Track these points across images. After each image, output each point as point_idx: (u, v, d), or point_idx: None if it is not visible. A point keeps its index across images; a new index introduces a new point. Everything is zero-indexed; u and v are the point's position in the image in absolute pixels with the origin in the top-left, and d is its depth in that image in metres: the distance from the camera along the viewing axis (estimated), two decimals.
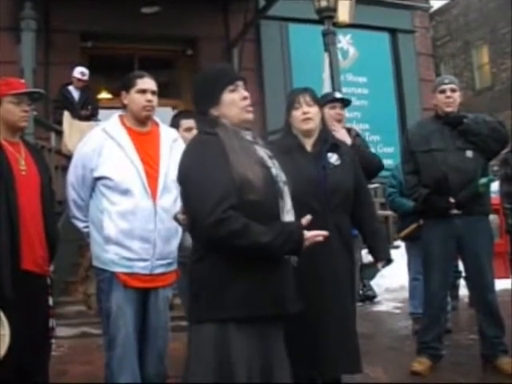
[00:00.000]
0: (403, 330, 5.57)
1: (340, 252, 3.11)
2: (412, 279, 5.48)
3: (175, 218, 2.61)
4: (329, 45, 7.87)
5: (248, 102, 2.42)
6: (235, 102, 2.39)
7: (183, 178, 2.34)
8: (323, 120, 3.34)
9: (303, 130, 3.23)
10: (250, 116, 2.43)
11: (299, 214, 2.93)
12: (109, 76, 10.55)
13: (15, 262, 2.92)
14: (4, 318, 2.81)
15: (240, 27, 10.41)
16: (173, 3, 9.79)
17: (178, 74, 11.37)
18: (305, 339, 2.97)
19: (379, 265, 3.35)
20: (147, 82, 3.29)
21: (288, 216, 2.37)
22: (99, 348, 5.01)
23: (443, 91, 4.14)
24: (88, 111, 8.24)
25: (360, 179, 3.30)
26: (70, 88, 8.35)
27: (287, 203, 2.39)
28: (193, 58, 10.94)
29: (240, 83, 2.44)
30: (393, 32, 12.37)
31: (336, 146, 3.26)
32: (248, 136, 2.43)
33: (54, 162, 6.87)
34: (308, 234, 2.28)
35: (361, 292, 6.97)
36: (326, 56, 8.10)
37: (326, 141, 3.25)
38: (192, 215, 2.29)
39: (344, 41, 11.60)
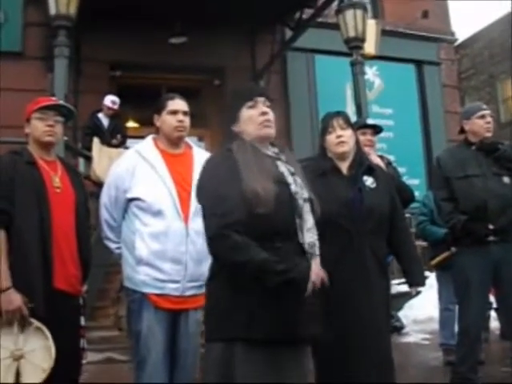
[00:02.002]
0: (434, 361, 5.43)
1: (377, 277, 3.05)
2: (443, 309, 5.36)
3: None
4: (357, 74, 7.88)
5: (267, 117, 2.41)
6: (252, 118, 2.40)
7: (197, 194, 2.42)
8: (358, 143, 3.32)
9: (338, 153, 3.21)
10: (269, 131, 2.42)
11: (335, 236, 2.92)
12: (136, 105, 10.66)
13: (47, 281, 2.91)
14: (48, 332, 2.80)
15: (267, 58, 10.52)
16: (200, 34, 9.92)
17: (204, 104, 11.46)
18: (341, 365, 2.92)
19: (413, 290, 3.29)
20: (178, 103, 3.32)
21: (308, 234, 2.33)
22: (125, 374, 4.98)
23: (483, 116, 4.11)
24: (118, 140, 8.31)
25: (395, 203, 3.26)
26: (100, 115, 8.43)
27: (308, 221, 2.35)
28: (220, 87, 11.06)
29: (261, 99, 2.43)
30: (418, 64, 12.42)
31: (371, 169, 3.23)
32: (269, 151, 2.41)
33: None
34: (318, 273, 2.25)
35: None
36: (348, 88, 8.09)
37: (362, 164, 3.22)
38: (204, 227, 2.31)
39: (370, 72, 11.62)
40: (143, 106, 10.11)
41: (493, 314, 6.38)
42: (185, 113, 3.33)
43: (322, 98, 11.21)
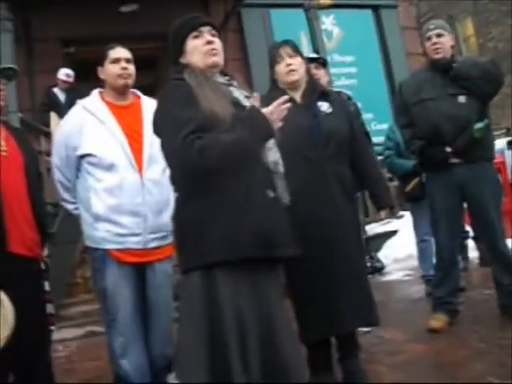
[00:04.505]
0: (416, 293, 5.39)
1: (343, 202, 2.98)
2: (419, 241, 5.29)
3: None
4: (312, 19, 7.74)
5: (213, 45, 2.37)
6: (197, 48, 2.36)
7: (154, 128, 2.32)
8: (308, 70, 3.21)
9: (289, 82, 3.10)
10: (215, 59, 2.37)
11: (296, 166, 2.83)
12: (94, 79, 10.41)
13: (2, 245, 2.76)
14: (6, 299, 2.66)
15: (221, 18, 10.28)
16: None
17: (163, 72, 11.22)
18: (317, 294, 2.87)
19: (382, 213, 3.23)
20: (119, 51, 3.24)
21: (270, 153, 2.28)
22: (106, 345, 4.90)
23: (429, 38, 3.96)
24: None
25: (355, 128, 3.18)
26: (55, 90, 8.25)
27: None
28: None
29: (205, 29, 2.39)
30: (375, 8, 12.24)
31: (326, 95, 3.13)
32: (221, 79, 2.37)
33: (44, 165, 6.71)
34: (269, 108, 2.18)
35: (369, 264, 6.78)
36: (302, 35, 7.90)
37: (315, 90, 3.12)
38: (165, 155, 2.23)
39: (327, 22, 11.47)
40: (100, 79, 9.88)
41: (471, 243, 6.40)
42: (127, 60, 3.23)
43: None
